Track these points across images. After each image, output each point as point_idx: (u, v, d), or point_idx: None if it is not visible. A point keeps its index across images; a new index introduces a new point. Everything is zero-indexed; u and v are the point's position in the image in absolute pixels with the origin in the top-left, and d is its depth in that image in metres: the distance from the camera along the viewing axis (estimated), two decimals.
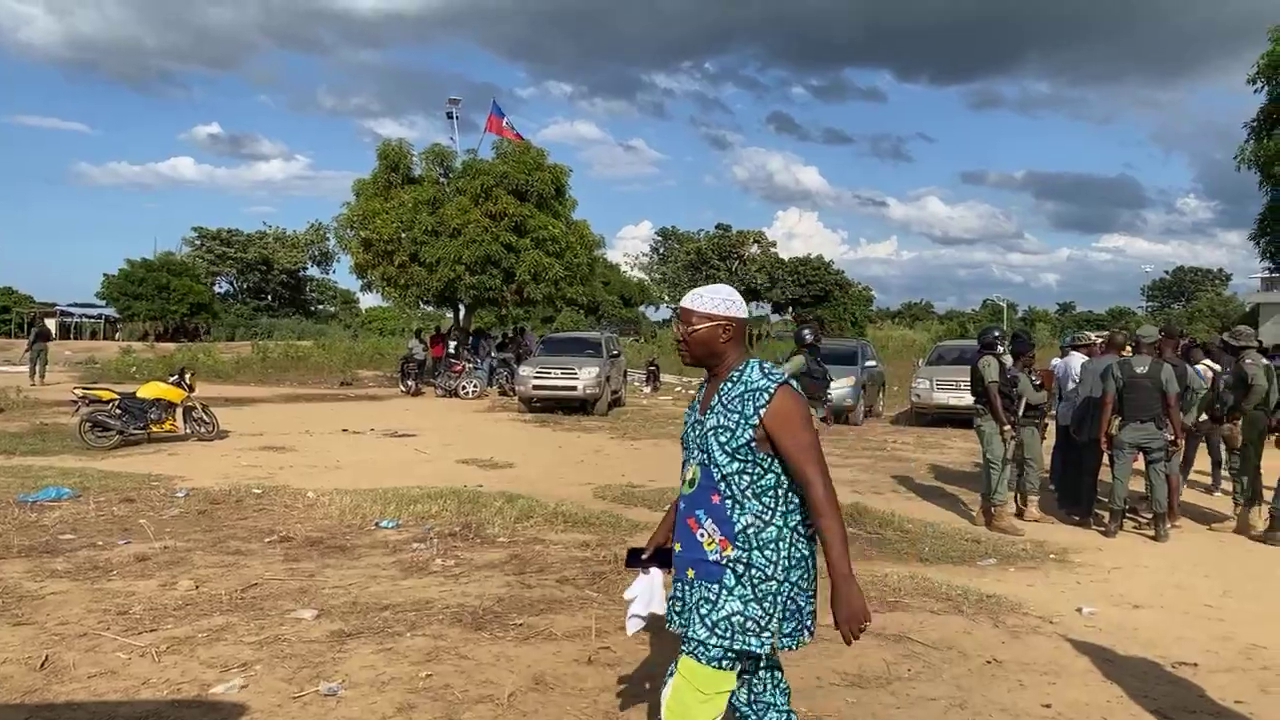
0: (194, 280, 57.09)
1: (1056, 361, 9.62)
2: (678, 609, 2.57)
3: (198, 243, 66.67)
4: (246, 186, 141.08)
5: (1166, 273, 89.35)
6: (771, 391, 2.46)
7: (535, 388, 17.94)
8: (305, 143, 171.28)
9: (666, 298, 67.77)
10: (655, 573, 2.80)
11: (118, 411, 11.77)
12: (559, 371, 17.93)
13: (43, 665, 4.10)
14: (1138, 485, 8.34)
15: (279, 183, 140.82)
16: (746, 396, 2.47)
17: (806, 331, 8.95)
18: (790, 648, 2.51)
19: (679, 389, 24.54)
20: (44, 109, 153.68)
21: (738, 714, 2.66)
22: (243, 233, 68.52)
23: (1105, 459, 8.10)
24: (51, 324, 39.70)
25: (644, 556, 2.81)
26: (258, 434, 13.28)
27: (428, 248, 23.38)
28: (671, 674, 2.57)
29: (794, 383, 2.53)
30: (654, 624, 2.91)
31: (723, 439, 2.47)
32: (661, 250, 73.82)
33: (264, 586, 5.46)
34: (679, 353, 2.65)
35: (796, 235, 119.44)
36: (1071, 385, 8.84)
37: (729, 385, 2.52)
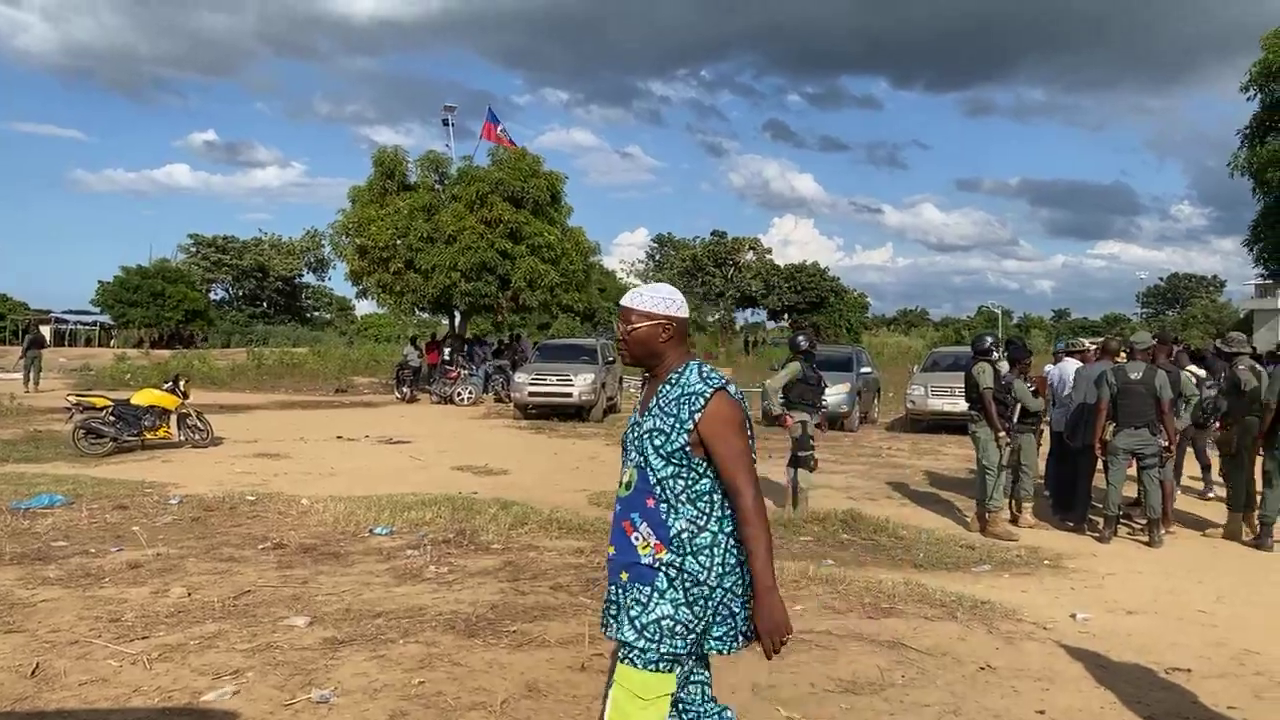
0: (189, 287, 57.13)
1: (1050, 368, 9.62)
2: (613, 613, 2.48)
3: (193, 250, 66.73)
4: (242, 193, 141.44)
5: (1161, 279, 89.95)
6: (708, 396, 2.38)
7: (530, 394, 17.93)
8: (301, 150, 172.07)
9: None
10: None
11: (112, 418, 11.75)
12: (554, 378, 17.92)
13: (34, 673, 4.08)
14: (1131, 491, 8.36)
15: (275, 190, 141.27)
16: (683, 400, 2.40)
17: (801, 338, 8.96)
18: (722, 652, 2.44)
19: None
20: (40, 116, 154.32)
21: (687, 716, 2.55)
22: (238, 240, 68.69)
23: (1099, 465, 8.12)
24: (46, 331, 39.67)
25: None
26: (252, 441, 13.25)
27: (423, 254, 23.39)
28: (610, 684, 2.48)
29: (732, 387, 2.44)
30: None
31: (658, 442, 2.40)
32: (657, 257, 73.77)
33: (257, 594, 5.44)
34: (619, 352, 2.57)
35: (792, 242, 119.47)
36: (1066, 391, 8.85)
37: (667, 387, 2.45)
